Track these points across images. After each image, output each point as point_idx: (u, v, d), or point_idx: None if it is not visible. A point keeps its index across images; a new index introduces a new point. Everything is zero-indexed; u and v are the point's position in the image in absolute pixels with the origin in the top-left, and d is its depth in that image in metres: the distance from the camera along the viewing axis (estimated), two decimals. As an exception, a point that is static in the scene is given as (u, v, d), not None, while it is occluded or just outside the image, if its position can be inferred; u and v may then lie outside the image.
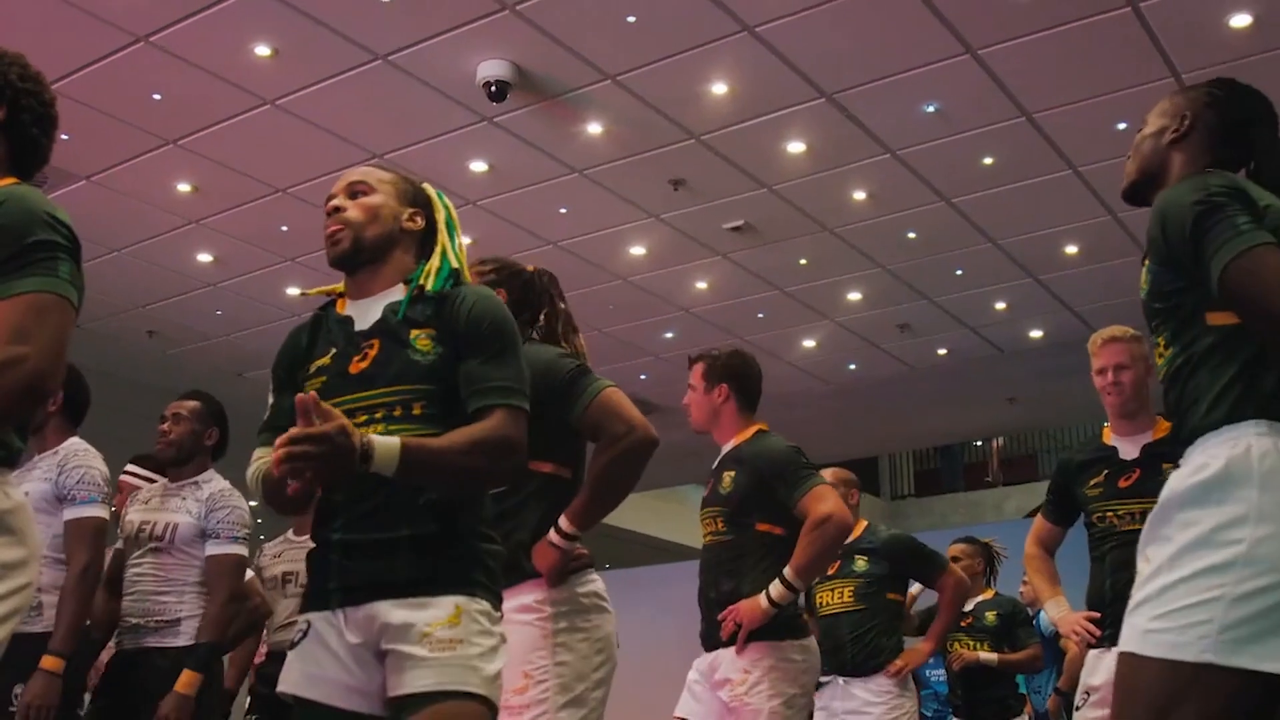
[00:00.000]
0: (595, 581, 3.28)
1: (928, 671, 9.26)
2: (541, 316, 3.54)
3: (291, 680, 2.49)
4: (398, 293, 2.65)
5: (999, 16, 7.43)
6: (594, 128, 8.71)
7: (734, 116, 8.57)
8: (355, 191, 2.74)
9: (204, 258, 10.79)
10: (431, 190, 2.88)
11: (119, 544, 4.83)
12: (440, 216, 2.79)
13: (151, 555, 4.62)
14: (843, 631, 5.39)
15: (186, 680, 4.36)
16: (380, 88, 8.17)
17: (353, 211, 2.69)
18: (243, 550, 4.67)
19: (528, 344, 3.11)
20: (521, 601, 3.11)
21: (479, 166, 9.09)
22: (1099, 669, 4.21)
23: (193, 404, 4.83)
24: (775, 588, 4.08)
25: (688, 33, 7.61)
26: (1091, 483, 4.37)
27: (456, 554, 2.48)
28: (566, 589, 3.19)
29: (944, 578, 5.56)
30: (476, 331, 2.56)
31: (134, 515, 4.74)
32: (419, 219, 2.77)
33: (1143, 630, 2.27)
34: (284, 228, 10.18)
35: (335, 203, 2.70)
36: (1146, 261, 2.58)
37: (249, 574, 5.28)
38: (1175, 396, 2.47)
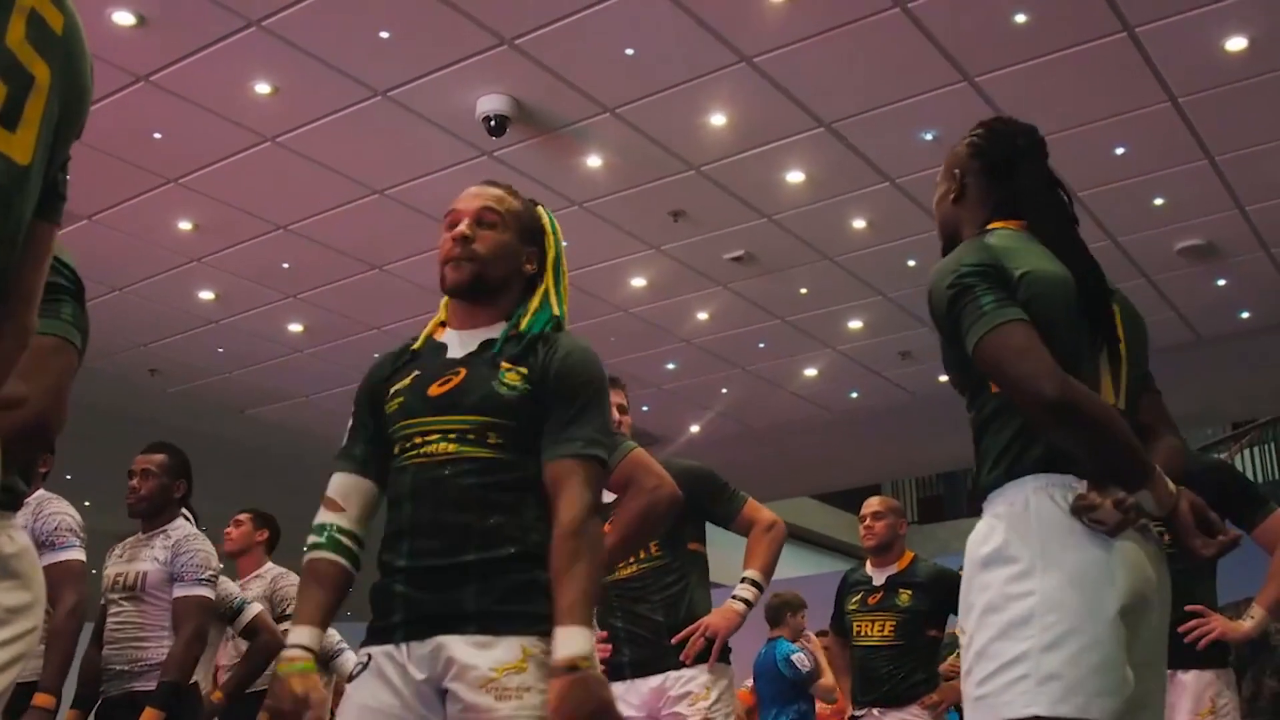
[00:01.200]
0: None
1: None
2: None
3: (351, 715, 2.43)
4: (498, 330, 2.62)
5: (996, 44, 7.47)
6: (593, 160, 8.74)
7: (733, 147, 8.60)
8: (484, 220, 2.64)
9: (205, 295, 10.80)
10: (547, 221, 2.78)
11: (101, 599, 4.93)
12: (550, 256, 2.75)
13: (128, 604, 4.75)
14: (880, 666, 5.34)
15: (148, 716, 4.42)
16: (380, 123, 8.20)
17: (481, 245, 2.61)
18: (207, 592, 4.76)
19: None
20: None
21: (479, 200, 9.10)
22: None
23: (159, 457, 4.95)
24: (748, 590, 4.12)
25: (686, 64, 7.65)
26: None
27: (524, 583, 2.43)
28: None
29: None
30: (567, 384, 2.52)
31: (110, 569, 4.88)
32: (534, 262, 2.71)
33: (973, 698, 2.33)
34: (285, 264, 10.21)
35: (463, 230, 2.61)
36: None
37: (258, 608, 5.38)
38: (976, 457, 2.56)
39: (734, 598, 4.11)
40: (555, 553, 2.38)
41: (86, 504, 4.67)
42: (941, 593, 5.37)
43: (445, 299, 2.70)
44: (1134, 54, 7.51)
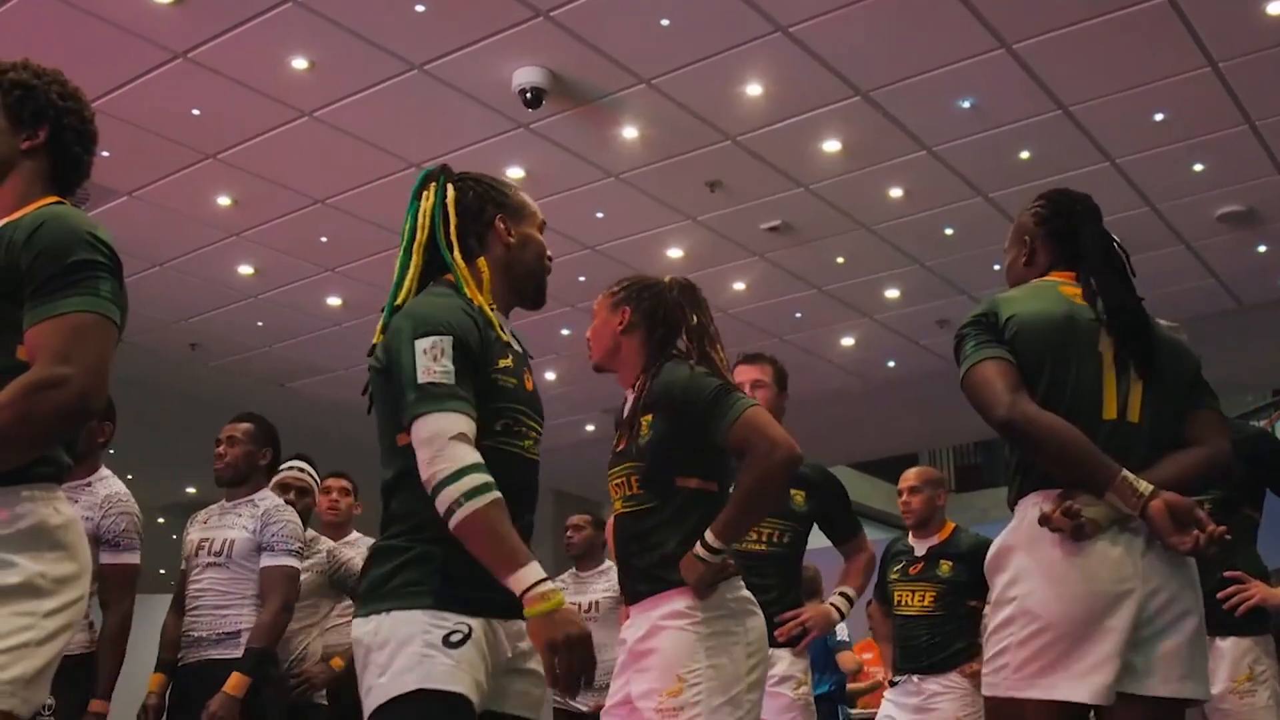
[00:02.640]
0: (742, 588, 3.35)
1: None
2: (682, 331, 3.56)
3: (465, 683, 2.43)
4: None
5: (1033, 10, 7.41)
6: (629, 132, 8.74)
7: (769, 117, 8.58)
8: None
9: (245, 270, 10.88)
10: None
11: (182, 565, 5.01)
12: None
13: (211, 571, 4.81)
14: (920, 635, 5.38)
15: (234, 682, 4.50)
16: (417, 97, 8.22)
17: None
18: (295, 562, 4.83)
19: (671, 364, 3.39)
20: (673, 608, 3.21)
21: (516, 173, 9.12)
22: None
23: (246, 426, 5.02)
24: (843, 601, 4.43)
25: (721, 34, 7.63)
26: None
27: None
28: (716, 595, 3.25)
29: None
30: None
31: (194, 534, 4.95)
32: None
33: (982, 674, 2.94)
34: (323, 238, 10.26)
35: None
36: None
37: None
38: None
39: (831, 604, 4.41)
40: None
41: (130, 477, 4.73)
42: (982, 564, 5.38)
43: (464, 266, 2.77)
44: (1173, 19, 7.44)
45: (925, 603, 5.38)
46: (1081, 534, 2.70)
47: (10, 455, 2.18)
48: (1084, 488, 2.74)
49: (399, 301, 2.73)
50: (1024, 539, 2.83)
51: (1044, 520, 2.73)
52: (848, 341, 12.88)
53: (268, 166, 9.10)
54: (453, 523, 2.42)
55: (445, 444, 2.45)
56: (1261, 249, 10.73)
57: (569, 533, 6.80)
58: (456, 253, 2.75)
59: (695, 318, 3.60)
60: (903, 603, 5.47)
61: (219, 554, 4.79)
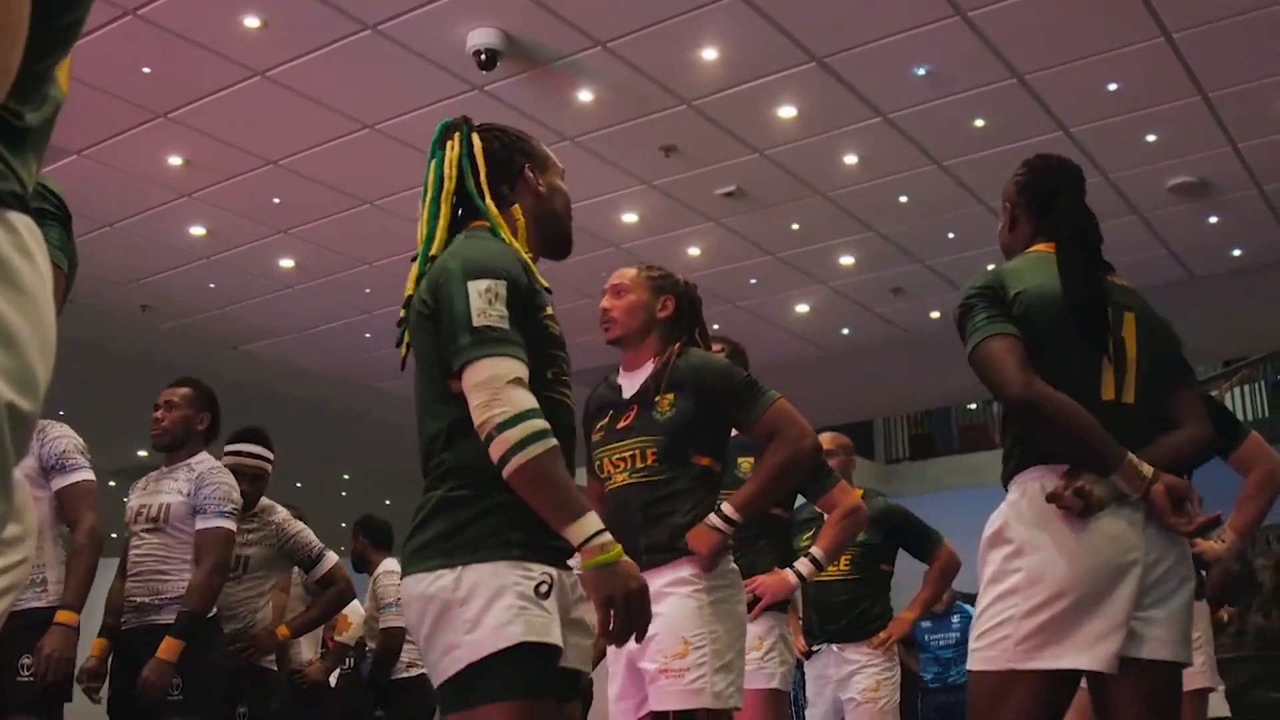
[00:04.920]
0: (733, 561, 3.62)
1: (928, 636, 9.34)
2: (697, 329, 3.85)
3: (558, 635, 2.42)
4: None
5: (989, -22, 7.42)
6: (585, 95, 8.70)
7: (725, 82, 8.56)
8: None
9: (196, 231, 10.78)
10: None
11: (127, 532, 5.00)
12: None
13: (150, 536, 4.81)
14: (838, 599, 5.44)
15: (166, 646, 4.51)
16: (370, 58, 8.15)
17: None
18: (229, 524, 4.81)
19: (698, 351, 3.72)
20: (679, 575, 3.45)
21: (470, 136, 9.06)
22: None
23: (184, 391, 5.02)
24: (806, 565, 4.42)
25: (678, -2, 7.60)
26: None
27: None
28: (719, 566, 3.51)
29: (936, 552, 5.57)
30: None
31: (134, 501, 4.94)
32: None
33: (970, 650, 2.92)
34: (276, 200, 10.18)
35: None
36: None
37: (334, 558, 5.55)
38: None
39: (792, 568, 4.42)
40: None
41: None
42: (890, 528, 5.57)
43: (498, 213, 2.78)
44: (1128, -12, 7.47)
45: (841, 567, 5.39)
46: (1089, 511, 2.77)
47: None
48: (1090, 467, 2.81)
49: (433, 253, 2.66)
50: (1028, 514, 2.86)
51: (1053, 498, 2.79)
52: (802, 308, 12.91)
53: (219, 126, 9.01)
54: (509, 468, 2.35)
55: (503, 388, 2.38)
56: (1213, 220, 10.82)
57: None
58: (489, 199, 2.71)
59: (702, 318, 3.91)
60: None
61: (155, 519, 4.79)
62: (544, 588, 2.40)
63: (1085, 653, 2.74)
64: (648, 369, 3.68)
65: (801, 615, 5.62)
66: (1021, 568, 2.82)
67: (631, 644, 3.19)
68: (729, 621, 3.46)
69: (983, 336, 2.94)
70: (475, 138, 2.76)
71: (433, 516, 2.49)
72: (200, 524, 4.75)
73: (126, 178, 9.68)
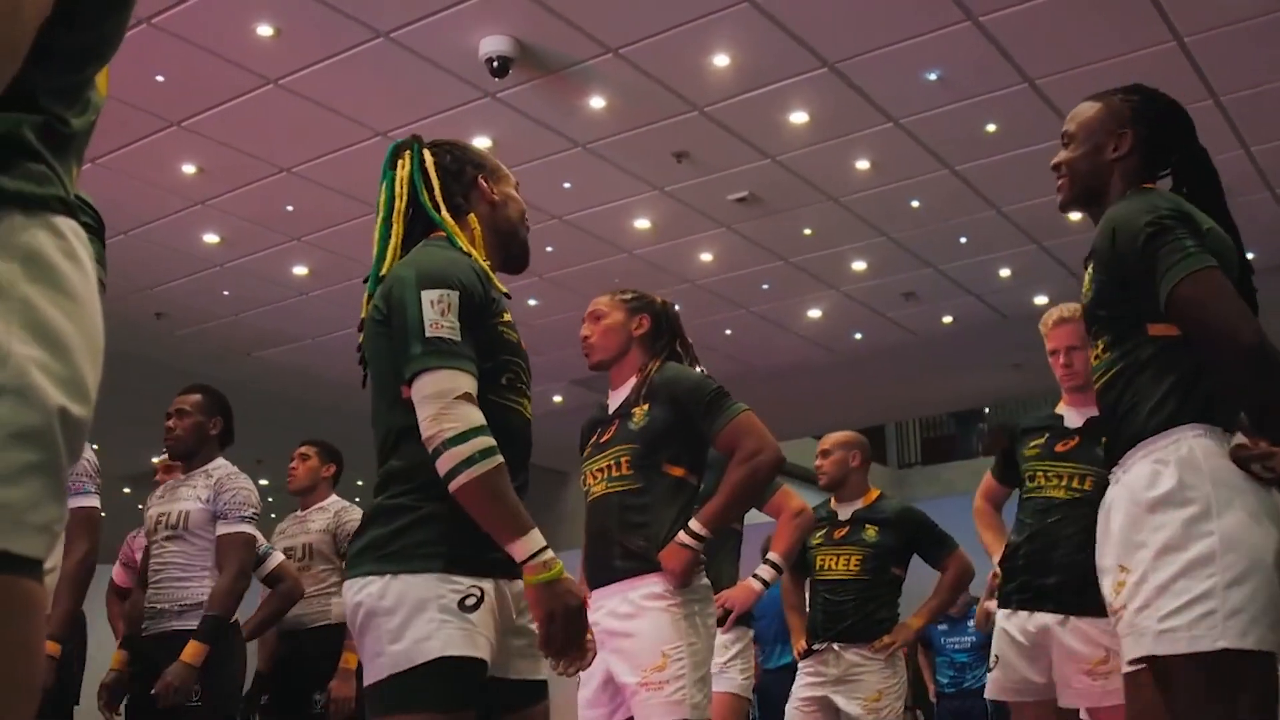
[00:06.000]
0: (704, 575, 3.69)
1: (944, 640, 9.32)
2: (677, 343, 3.94)
3: (482, 648, 2.43)
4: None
5: (1000, -17, 7.42)
6: (597, 101, 8.72)
7: (736, 88, 8.57)
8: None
9: (210, 238, 10.82)
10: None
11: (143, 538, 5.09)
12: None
13: (170, 544, 4.86)
14: (845, 599, 5.33)
15: (191, 650, 4.55)
16: (383, 65, 8.18)
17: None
18: (250, 529, 4.88)
19: (675, 364, 3.80)
20: (652, 590, 3.53)
21: (482, 142, 9.08)
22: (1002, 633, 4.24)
23: (195, 398, 5.07)
24: (767, 571, 4.55)
25: (689, 4, 7.61)
26: (1033, 443, 4.34)
27: None
28: (691, 581, 3.61)
29: (950, 559, 5.47)
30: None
31: (152, 509, 4.99)
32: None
33: (1156, 632, 2.48)
34: (289, 207, 10.21)
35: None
36: (1090, 269, 2.78)
37: (280, 557, 5.52)
38: (1113, 399, 2.71)
39: (754, 576, 4.55)
40: None
41: (95, 447, 4.72)
42: (907, 531, 5.46)
43: (454, 224, 2.80)
44: (1139, -7, 7.48)
45: (850, 566, 5.35)
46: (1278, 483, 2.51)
47: None
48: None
49: (383, 272, 2.69)
50: (1205, 472, 2.52)
51: (1253, 458, 2.49)
52: (814, 313, 12.91)
53: (233, 134, 9.04)
54: (456, 483, 2.38)
55: (452, 403, 2.41)
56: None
57: None
58: (444, 211, 2.73)
59: (683, 334, 3.98)
60: (825, 567, 5.42)
61: (175, 526, 4.83)
62: (470, 600, 2.42)
63: None
64: (630, 385, 3.81)
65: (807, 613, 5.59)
66: (1213, 531, 2.46)
67: (607, 653, 3.26)
68: (704, 634, 3.57)
69: (1205, 264, 2.53)
70: (426, 154, 2.79)
71: (370, 523, 2.55)
72: (222, 529, 4.80)
73: (141, 185, 9.71)
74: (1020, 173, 9.62)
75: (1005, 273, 11.90)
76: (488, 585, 2.46)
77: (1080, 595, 3.84)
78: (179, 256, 11.12)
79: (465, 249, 2.68)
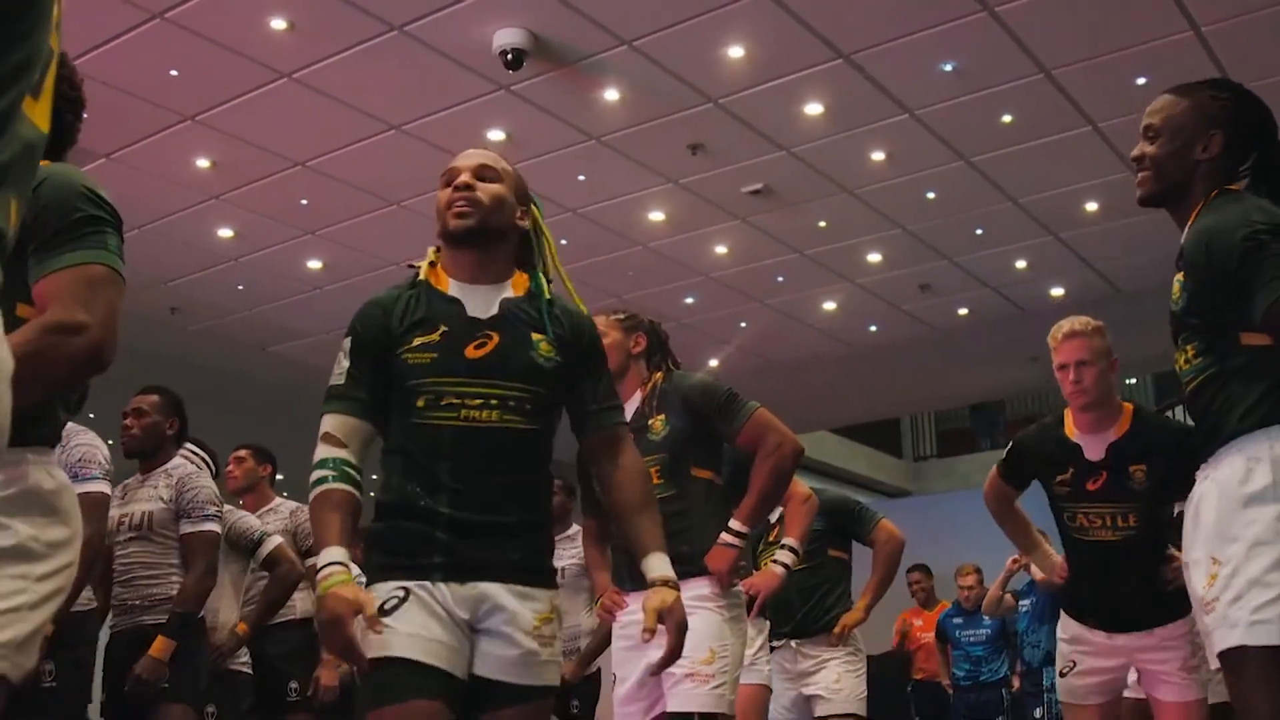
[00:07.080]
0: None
1: (959, 633, 9.30)
2: (669, 360, 4.09)
3: (399, 645, 2.54)
4: (508, 289, 2.81)
5: (1016, -27, 7.39)
6: (611, 94, 8.70)
7: (751, 79, 8.55)
8: (484, 175, 2.82)
9: (224, 233, 10.83)
10: (535, 200, 2.99)
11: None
12: (541, 224, 2.96)
13: (134, 544, 4.93)
14: (789, 592, 5.12)
15: (158, 645, 4.66)
16: (397, 58, 8.17)
17: (482, 193, 2.79)
18: (215, 527, 4.96)
19: (677, 373, 3.98)
20: (700, 592, 3.65)
21: (496, 135, 9.09)
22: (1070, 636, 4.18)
23: (153, 398, 5.13)
24: (787, 555, 4.55)
25: (703, -4, 7.60)
26: (1058, 479, 4.14)
27: (547, 543, 2.79)
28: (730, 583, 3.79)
29: (876, 533, 5.50)
30: (594, 357, 2.88)
31: (114, 511, 4.96)
32: (526, 220, 2.89)
33: (1248, 623, 2.56)
34: (304, 201, 10.21)
35: (465, 179, 2.80)
36: (1181, 277, 2.78)
37: (278, 539, 5.58)
38: (1205, 401, 2.78)
39: (775, 561, 4.58)
40: (632, 493, 2.84)
41: (110, 443, 4.75)
42: (832, 513, 5.44)
43: (432, 250, 2.88)
44: (1156, -18, 7.43)
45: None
46: None
47: (19, 394, 2.15)
48: None
49: None
50: None
51: None
52: (829, 306, 12.88)
53: (247, 128, 9.04)
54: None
55: (320, 440, 2.73)
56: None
57: None
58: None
59: (670, 349, 4.13)
60: (767, 565, 5.39)
61: (139, 527, 4.91)
62: (390, 603, 2.57)
63: None
64: (635, 400, 3.93)
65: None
66: None
67: (650, 650, 3.28)
68: (739, 637, 3.78)
69: None
70: None
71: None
72: (187, 528, 4.90)
73: (155, 180, 9.72)
74: (1036, 164, 9.59)
75: (1021, 265, 11.86)
76: (415, 585, 2.60)
77: (1152, 613, 3.94)
78: (193, 251, 11.12)
79: (424, 270, 2.85)
